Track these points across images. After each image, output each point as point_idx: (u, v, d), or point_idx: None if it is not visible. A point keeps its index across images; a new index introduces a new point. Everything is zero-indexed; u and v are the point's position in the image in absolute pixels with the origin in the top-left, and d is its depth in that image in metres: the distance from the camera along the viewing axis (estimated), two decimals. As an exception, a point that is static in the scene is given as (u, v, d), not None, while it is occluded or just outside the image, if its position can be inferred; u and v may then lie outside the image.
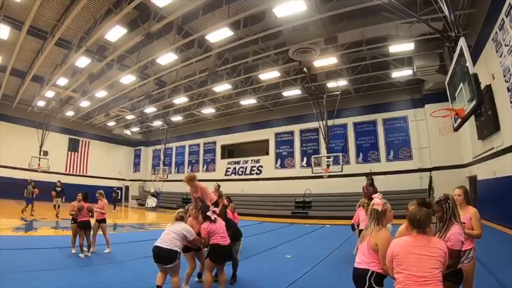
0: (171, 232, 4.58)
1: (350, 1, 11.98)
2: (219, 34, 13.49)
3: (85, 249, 7.63)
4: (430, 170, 18.17)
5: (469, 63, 6.62)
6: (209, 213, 4.92)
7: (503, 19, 9.91)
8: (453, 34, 8.08)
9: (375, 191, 7.89)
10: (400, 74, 17.79)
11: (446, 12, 8.22)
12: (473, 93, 6.74)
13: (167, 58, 15.89)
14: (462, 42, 6.75)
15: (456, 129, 8.39)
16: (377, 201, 3.09)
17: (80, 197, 7.97)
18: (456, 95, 8.44)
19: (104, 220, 8.39)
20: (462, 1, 11.92)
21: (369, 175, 9.88)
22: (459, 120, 8.20)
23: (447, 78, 8.76)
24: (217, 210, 5.23)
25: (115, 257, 7.70)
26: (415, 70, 16.32)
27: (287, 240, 11.11)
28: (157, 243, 4.50)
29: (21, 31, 13.95)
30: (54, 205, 16.66)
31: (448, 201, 3.15)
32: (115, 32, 13.45)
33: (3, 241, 8.48)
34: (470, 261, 3.65)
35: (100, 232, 8.44)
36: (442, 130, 8.31)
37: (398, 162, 19.29)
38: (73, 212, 7.71)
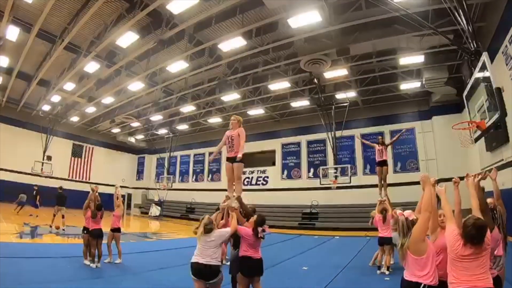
0: (208, 247, 4.31)
1: (363, 13, 12.08)
2: (232, 43, 13.54)
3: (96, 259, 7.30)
4: (437, 181, 18.00)
5: (492, 77, 6.67)
6: (260, 229, 4.59)
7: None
8: (473, 47, 8.16)
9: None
10: (408, 86, 17.91)
11: (464, 26, 8.29)
12: (496, 106, 6.77)
13: (177, 66, 15.93)
14: (485, 57, 6.82)
15: (475, 141, 8.39)
16: (408, 212, 3.24)
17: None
18: (476, 107, 8.45)
19: (118, 230, 8.07)
20: (472, 15, 11.94)
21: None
22: (477, 132, 8.22)
23: (466, 91, 8.78)
24: (267, 228, 4.89)
25: (128, 268, 7.47)
26: (424, 82, 16.37)
27: (299, 251, 10.98)
28: (197, 259, 4.25)
29: (30, 33, 13.84)
30: (54, 214, 14.31)
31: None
32: (127, 38, 13.47)
33: (9, 248, 8.19)
34: (500, 269, 3.71)
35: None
36: (463, 142, 8.34)
37: (405, 174, 19.16)
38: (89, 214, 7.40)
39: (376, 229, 15.95)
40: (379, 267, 7.55)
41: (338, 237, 15.02)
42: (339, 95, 19.18)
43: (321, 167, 19.85)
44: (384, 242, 7.61)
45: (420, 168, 18.94)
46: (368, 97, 20.06)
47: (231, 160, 5.50)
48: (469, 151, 16.77)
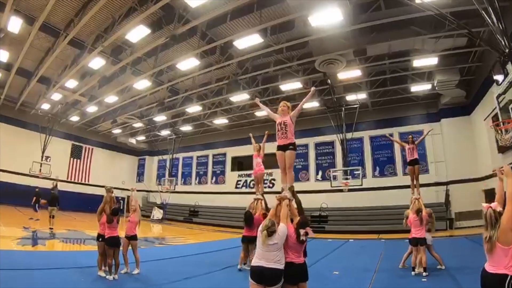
0: (271, 250, 3.94)
1: (383, 13, 11.93)
2: (248, 41, 13.22)
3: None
4: (446, 184, 18.09)
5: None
6: (302, 231, 4.18)
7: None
8: (507, 50, 7.96)
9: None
10: (418, 88, 17.88)
11: (495, 26, 8.10)
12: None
13: (188, 63, 15.51)
14: None
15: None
16: (495, 204, 3.13)
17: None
18: (510, 107, 8.27)
19: (135, 237, 7.17)
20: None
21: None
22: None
23: (498, 91, 8.60)
24: (310, 231, 4.51)
25: (149, 280, 6.72)
26: (435, 84, 16.31)
27: (320, 255, 10.60)
28: (260, 263, 3.91)
29: (33, 26, 13.23)
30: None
31: None
32: (137, 32, 12.99)
33: (13, 257, 7.46)
34: None
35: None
36: (503, 140, 8.31)
37: (413, 176, 18.99)
38: (106, 218, 6.55)
39: (389, 231, 15.96)
40: (413, 268, 7.36)
41: (352, 240, 14.72)
42: (350, 97, 19.01)
43: (331, 169, 19.63)
44: (418, 242, 7.39)
45: (429, 170, 18.83)
46: (377, 99, 19.89)
47: (283, 148, 5.12)
48: (478, 152, 16.91)
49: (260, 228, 4.08)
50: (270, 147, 24.03)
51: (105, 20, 13.86)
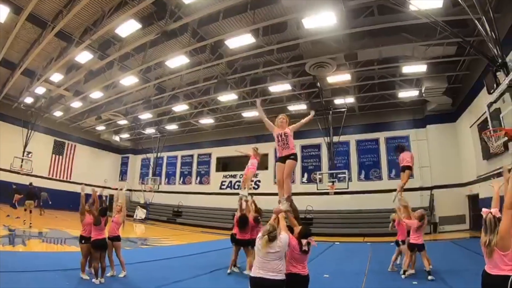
0: (271, 259, 3.80)
1: (375, 19, 12.05)
2: (239, 40, 13.08)
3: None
4: (430, 188, 18.45)
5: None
6: (304, 241, 4.08)
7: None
8: (499, 60, 8.09)
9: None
10: (406, 94, 18.14)
11: (487, 37, 8.23)
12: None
13: (177, 61, 15.21)
14: None
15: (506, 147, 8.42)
16: (495, 210, 3.20)
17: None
18: (501, 116, 8.43)
19: (118, 238, 6.90)
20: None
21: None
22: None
23: (489, 100, 8.76)
24: (313, 241, 4.40)
25: (138, 283, 6.50)
26: (423, 91, 16.59)
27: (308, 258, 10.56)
28: (260, 274, 3.76)
29: (20, 15, 12.66)
30: (25, 209, 14.49)
31: None
32: (127, 27, 12.68)
33: None
34: None
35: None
36: (494, 148, 8.54)
37: (399, 181, 19.22)
38: (93, 220, 6.24)
39: (374, 235, 16.15)
40: (404, 272, 7.39)
41: (338, 243, 14.76)
42: (337, 101, 19.12)
43: (317, 172, 19.68)
44: (416, 248, 7.40)
45: (414, 175, 19.08)
46: (365, 104, 20.12)
47: (284, 159, 5.10)
48: (462, 159, 17.30)
49: (260, 234, 3.94)
50: (265, 148, 23.67)
51: (95, 13, 13.46)
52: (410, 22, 11.56)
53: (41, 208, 18.83)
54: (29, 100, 21.26)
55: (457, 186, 17.41)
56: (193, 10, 12.04)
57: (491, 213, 3.18)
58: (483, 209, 3.31)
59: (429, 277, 6.97)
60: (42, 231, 13.21)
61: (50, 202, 19.50)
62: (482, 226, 3.22)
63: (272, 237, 3.85)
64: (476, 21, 8.10)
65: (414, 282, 6.89)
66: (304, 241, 4.09)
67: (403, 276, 7.26)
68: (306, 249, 4.09)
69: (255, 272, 3.81)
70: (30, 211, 14.15)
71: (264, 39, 13.64)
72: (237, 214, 8.25)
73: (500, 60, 7.54)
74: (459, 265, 8.59)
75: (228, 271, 7.82)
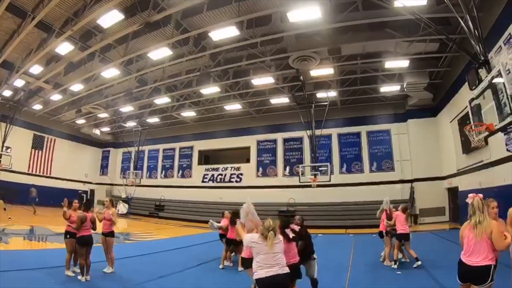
0: (278, 251, 3.69)
1: (360, 14, 12.15)
2: (224, 33, 12.92)
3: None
4: (411, 181, 18.93)
5: (508, 86, 6.87)
6: (287, 230, 4.29)
7: (500, 46, 10.57)
8: (482, 58, 8.27)
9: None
10: (387, 89, 18.42)
11: (472, 34, 8.41)
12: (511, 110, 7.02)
13: (159, 53, 14.88)
14: (500, 67, 7.00)
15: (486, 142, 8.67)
16: (481, 195, 3.39)
17: (77, 204, 6.55)
18: (482, 111, 8.68)
19: (112, 234, 6.80)
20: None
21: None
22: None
23: (472, 96, 9.00)
24: (297, 228, 4.41)
25: (124, 279, 6.36)
26: (405, 86, 16.90)
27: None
28: (270, 272, 3.53)
29: (-1, 5, 12.12)
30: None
31: None
32: (110, 17, 12.25)
33: None
34: None
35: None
36: (475, 142, 8.92)
37: (381, 173, 19.78)
38: (75, 225, 6.07)
39: (356, 226, 16.59)
40: (396, 262, 7.66)
41: (321, 235, 14.96)
42: (320, 94, 19.24)
43: (299, 165, 19.85)
44: (403, 238, 7.64)
45: (395, 168, 19.60)
46: (346, 98, 20.36)
47: None
48: (442, 153, 17.82)
49: (262, 232, 3.72)
50: (247, 141, 23.52)
51: (76, 3, 12.94)
52: (394, 18, 11.76)
53: (33, 206, 18.68)
54: (7, 93, 20.45)
55: (437, 179, 17.93)
56: (177, 1, 11.79)
57: (477, 196, 3.35)
58: (469, 195, 3.44)
59: (418, 263, 7.28)
60: (24, 228, 12.87)
61: (37, 199, 19.30)
62: (468, 213, 3.37)
63: (275, 231, 3.73)
64: (460, 19, 8.23)
65: (398, 272, 7.15)
66: (287, 230, 4.33)
67: (395, 266, 7.51)
68: (292, 236, 4.36)
69: (268, 272, 3.55)
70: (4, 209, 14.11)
71: (248, 32, 13.55)
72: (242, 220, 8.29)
73: (482, 58, 7.72)
74: (440, 255, 8.89)
75: (221, 266, 7.90)
